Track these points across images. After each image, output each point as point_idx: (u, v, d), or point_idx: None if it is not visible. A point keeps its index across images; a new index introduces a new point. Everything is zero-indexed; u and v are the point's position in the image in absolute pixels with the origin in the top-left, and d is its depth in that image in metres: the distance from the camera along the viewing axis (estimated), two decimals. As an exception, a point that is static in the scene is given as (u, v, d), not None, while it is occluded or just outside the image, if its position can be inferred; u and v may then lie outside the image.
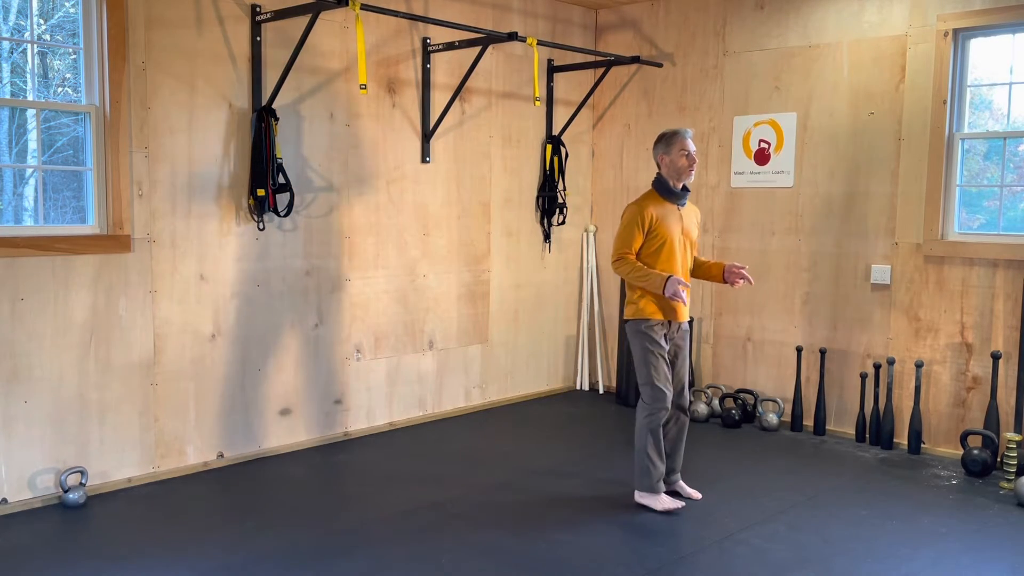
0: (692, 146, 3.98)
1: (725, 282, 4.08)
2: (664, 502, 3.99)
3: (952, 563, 3.51)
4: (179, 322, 4.35)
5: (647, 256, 3.96)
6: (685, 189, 4.02)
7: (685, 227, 4.04)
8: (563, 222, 6.27)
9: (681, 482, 4.18)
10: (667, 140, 3.99)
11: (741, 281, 4.03)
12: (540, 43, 5.25)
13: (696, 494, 4.13)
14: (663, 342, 3.99)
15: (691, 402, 3.94)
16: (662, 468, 4.02)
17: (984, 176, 4.97)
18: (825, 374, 5.38)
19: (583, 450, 4.94)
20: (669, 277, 3.82)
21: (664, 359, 3.97)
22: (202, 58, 4.34)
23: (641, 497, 4.04)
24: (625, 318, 4.06)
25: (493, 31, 5.06)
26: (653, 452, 3.98)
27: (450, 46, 5.24)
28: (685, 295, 3.86)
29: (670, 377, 4.00)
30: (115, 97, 4.05)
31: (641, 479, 4.02)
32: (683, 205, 4.05)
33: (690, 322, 4.12)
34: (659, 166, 4.03)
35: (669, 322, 4.00)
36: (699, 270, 4.17)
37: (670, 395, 3.96)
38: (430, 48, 5.31)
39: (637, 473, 4.03)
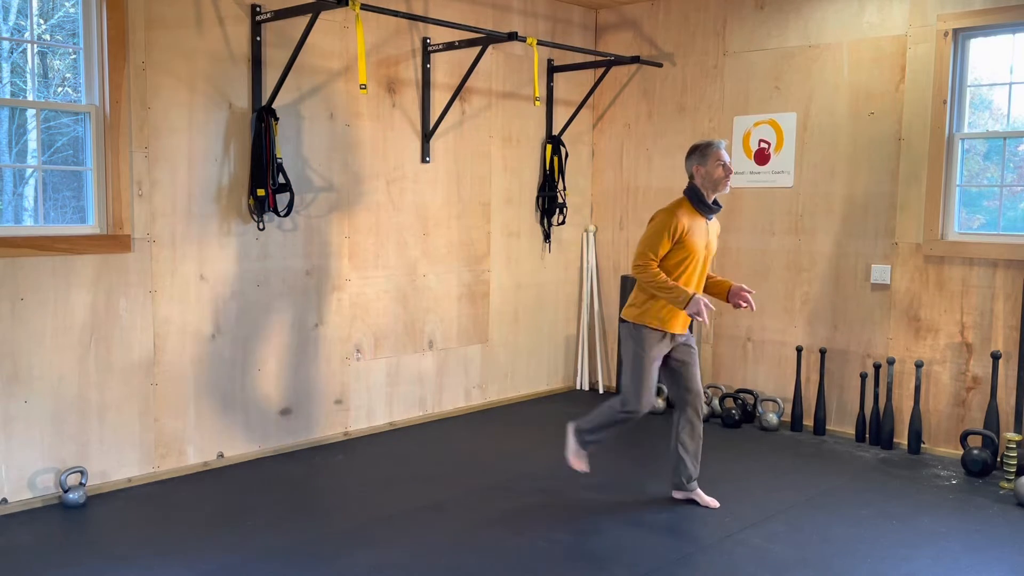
0: (727, 157, 3.91)
1: (728, 302, 4.07)
2: (575, 461, 4.16)
3: (952, 563, 3.51)
4: (179, 322, 4.35)
5: (668, 266, 3.87)
6: (717, 204, 3.96)
7: (709, 241, 3.98)
8: (563, 222, 6.27)
9: (699, 490, 4.11)
10: (702, 151, 3.91)
11: (745, 304, 4.00)
12: (540, 43, 5.25)
13: (713, 503, 4.06)
14: (657, 352, 3.96)
15: (707, 409, 3.94)
16: (598, 441, 4.13)
17: (984, 176, 4.97)
18: (825, 374, 5.38)
19: (583, 450, 4.95)
20: (693, 295, 3.74)
21: (654, 369, 3.95)
22: (202, 58, 4.34)
23: (570, 446, 4.17)
24: (623, 318, 4.02)
25: (493, 31, 5.06)
26: (604, 431, 4.08)
27: (450, 46, 5.24)
28: (706, 315, 3.77)
29: (654, 388, 3.98)
30: (115, 97, 4.05)
31: (581, 435, 4.13)
32: (711, 219, 4.00)
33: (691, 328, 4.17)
34: (692, 177, 3.94)
35: (665, 333, 3.96)
36: (707, 286, 4.13)
37: (644, 410, 3.94)
38: (430, 48, 5.31)
39: (585, 428, 4.12)
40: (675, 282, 3.83)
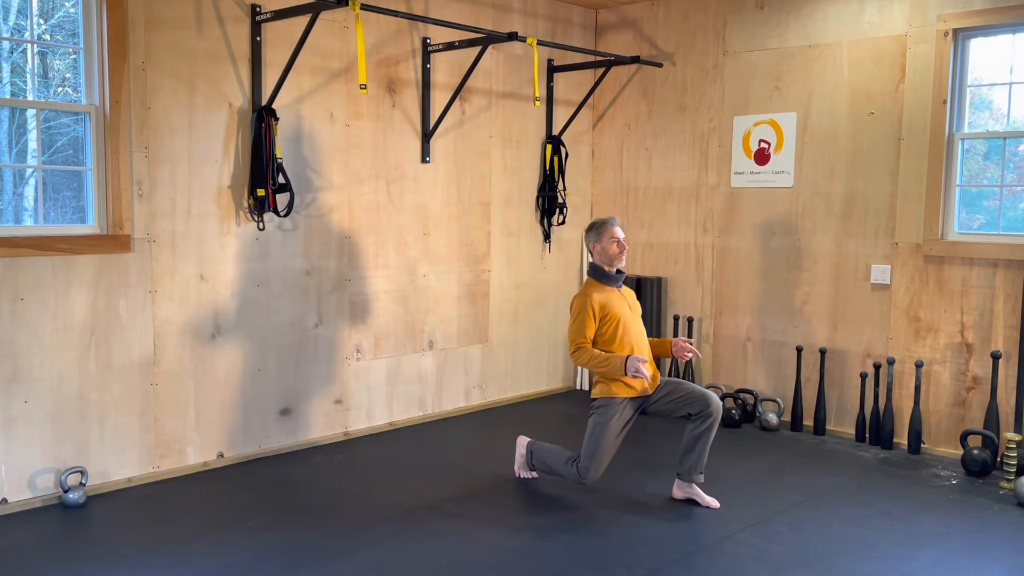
0: (621, 233, 4.17)
1: (674, 356, 4.22)
2: (523, 472, 4.38)
3: (952, 563, 3.51)
4: (179, 322, 4.36)
5: (605, 342, 4.05)
6: (619, 272, 4.19)
7: (631, 305, 4.19)
8: (563, 222, 6.27)
9: (699, 488, 4.11)
10: (597, 229, 4.19)
11: (689, 355, 4.15)
12: (540, 43, 5.25)
13: (713, 503, 4.07)
14: (621, 419, 4.04)
15: (720, 403, 4.01)
16: (540, 471, 4.34)
17: (984, 176, 4.97)
18: (825, 374, 5.38)
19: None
20: (628, 357, 3.91)
21: (612, 436, 4.02)
22: (202, 58, 4.34)
23: (518, 459, 4.40)
24: (592, 396, 4.14)
25: (493, 31, 5.06)
26: (549, 470, 4.24)
27: (450, 46, 5.24)
28: (647, 370, 3.89)
29: (611, 455, 4.06)
30: (115, 97, 4.05)
31: (531, 455, 4.31)
32: (620, 287, 4.21)
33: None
34: (591, 254, 4.23)
35: (624, 399, 4.06)
36: (652, 348, 4.27)
37: (596, 476, 4.03)
38: (430, 48, 5.31)
39: (537, 454, 4.28)
40: (609, 352, 4.01)
